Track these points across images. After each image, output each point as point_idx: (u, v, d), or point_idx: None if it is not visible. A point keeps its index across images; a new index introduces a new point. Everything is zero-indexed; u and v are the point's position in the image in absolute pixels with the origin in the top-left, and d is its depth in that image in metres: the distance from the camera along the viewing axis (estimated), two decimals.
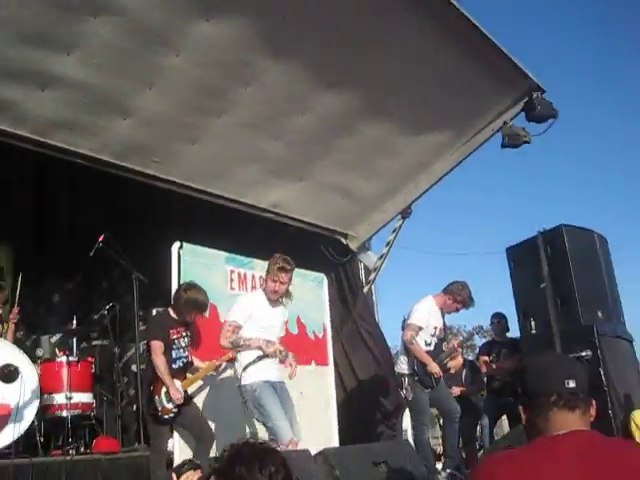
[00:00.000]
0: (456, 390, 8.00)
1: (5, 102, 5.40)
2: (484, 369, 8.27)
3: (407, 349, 6.50)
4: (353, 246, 8.87)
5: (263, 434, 6.19)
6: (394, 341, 9.65)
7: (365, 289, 9.13)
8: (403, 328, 6.65)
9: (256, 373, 5.06)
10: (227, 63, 5.66)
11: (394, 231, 8.65)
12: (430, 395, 6.37)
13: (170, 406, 5.34)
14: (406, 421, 8.68)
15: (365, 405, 8.38)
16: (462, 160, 7.70)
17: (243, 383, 5.07)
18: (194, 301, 5.48)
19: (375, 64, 5.95)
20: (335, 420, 7.36)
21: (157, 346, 5.39)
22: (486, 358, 8.24)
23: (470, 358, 9.97)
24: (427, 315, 6.51)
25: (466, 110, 6.94)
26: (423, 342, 6.44)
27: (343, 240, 8.84)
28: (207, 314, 6.06)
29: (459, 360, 8.45)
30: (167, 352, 5.44)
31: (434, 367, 6.30)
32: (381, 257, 8.90)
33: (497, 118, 7.10)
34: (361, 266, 9.33)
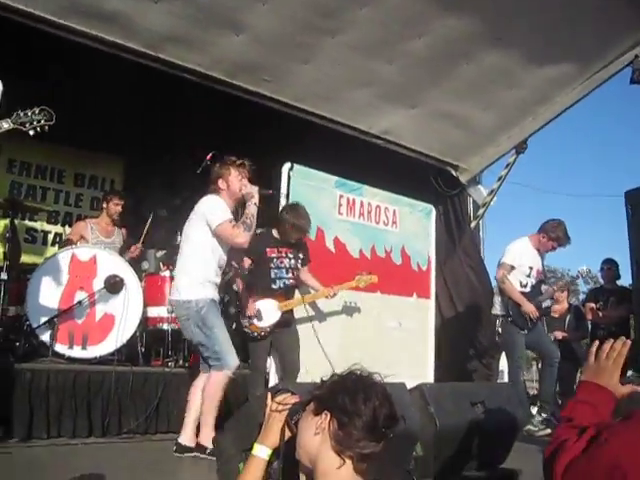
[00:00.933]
0: (558, 335, 7.80)
1: (116, 13, 5.38)
2: (589, 316, 7.99)
3: (501, 289, 6.47)
4: (463, 179, 8.61)
5: (368, 362, 6.24)
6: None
7: (472, 224, 8.89)
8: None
9: (204, 288, 4.69)
10: None
11: (507, 166, 8.33)
12: (527, 337, 6.27)
13: (260, 324, 5.39)
14: (503, 362, 8.54)
15: (463, 341, 8.27)
16: (585, 95, 7.23)
17: (186, 298, 4.65)
18: (294, 222, 5.46)
19: None
20: (432, 354, 7.31)
21: (244, 262, 5.60)
22: (593, 305, 7.95)
23: (575, 303, 9.64)
24: (519, 254, 6.42)
25: (595, 41, 6.43)
26: (518, 282, 6.36)
27: (453, 172, 8.59)
28: (313, 236, 6.05)
29: (564, 304, 8.19)
30: (264, 271, 5.51)
31: (529, 307, 6.18)
32: (491, 192, 8.61)
33: (629, 50, 6.57)
34: (470, 200, 9.06)
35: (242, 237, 4.62)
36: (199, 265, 4.69)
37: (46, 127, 3.94)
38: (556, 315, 8.06)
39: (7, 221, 6.16)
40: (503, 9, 5.86)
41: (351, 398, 1.84)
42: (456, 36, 6.17)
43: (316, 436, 1.86)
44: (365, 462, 1.82)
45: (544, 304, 6.57)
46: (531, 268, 6.40)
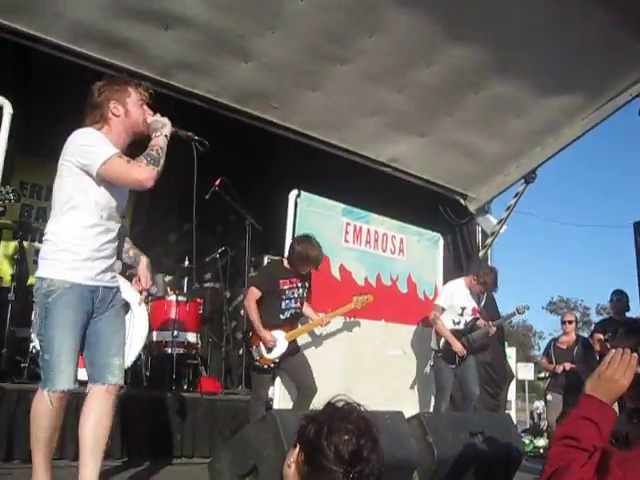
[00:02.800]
0: (566, 366, 7.72)
1: (129, 41, 5.47)
2: (597, 347, 7.91)
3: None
4: (472, 208, 8.61)
5: (370, 390, 6.24)
6: (506, 309, 9.41)
7: (481, 253, 8.86)
8: None
9: (70, 268, 3.24)
10: (352, 9, 5.47)
11: (516, 195, 8.31)
12: (455, 371, 6.50)
13: (269, 356, 5.37)
14: (511, 392, 8.48)
15: None
16: (594, 126, 7.27)
17: (39, 274, 3.27)
18: (307, 255, 5.44)
19: (507, 17, 5.61)
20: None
21: (252, 292, 5.43)
22: (600, 336, 7.86)
23: (585, 335, 9.56)
24: (450, 296, 6.66)
25: (604, 72, 6.47)
26: (450, 321, 6.58)
27: (462, 201, 8.60)
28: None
29: (571, 336, 8.13)
30: (275, 302, 5.46)
31: (457, 346, 6.42)
32: (500, 221, 8.59)
33: (637, 83, 6.62)
34: (479, 229, 9.05)
35: (145, 172, 3.21)
36: (70, 233, 3.26)
37: (13, 204, 4.17)
38: (564, 347, 8.00)
39: (16, 243, 6.22)
40: (508, 41, 5.92)
41: (316, 432, 1.76)
42: (463, 65, 6.22)
43: (290, 468, 1.82)
44: None
45: (477, 340, 6.73)
46: (463, 308, 6.63)
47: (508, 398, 9.31)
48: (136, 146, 3.45)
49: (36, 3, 5.00)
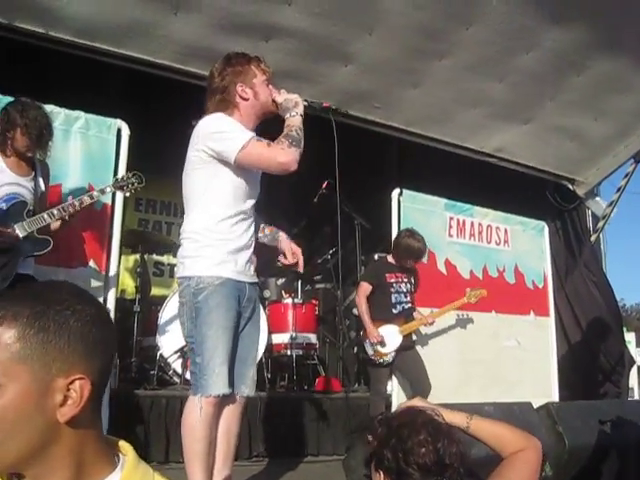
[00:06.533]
0: None
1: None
2: None
3: None
4: (580, 192, 8.40)
5: (486, 382, 6.22)
6: (622, 293, 9.15)
7: (592, 237, 8.64)
8: None
9: (216, 264, 3.13)
10: (447, 2, 5.46)
11: (626, 176, 8.06)
12: None
13: (384, 350, 5.44)
14: (633, 379, 8.24)
15: (589, 359, 8.03)
16: None
17: (185, 274, 3.18)
18: (410, 248, 5.52)
19: None
20: (555, 373, 7.14)
21: (363, 287, 5.56)
22: None
23: None
24: None
25: None
26: None
27: (570, 186, 8.39)
28: (425, 260, 6.08)
29: None
30: (385, 296, 5.55)
31: None
32: (611, 204, 8.36)
33: None
34: (589, 213, 8.83)
35: (289, 154, 3.01)
36: (210, 228, 3.15)
37: (139, 188, 4.26)
38: None
39: (137, 256, 6.54)
40: (611, 16, 5.72)
41: (394, 458, 1.73)
42: (565, 48, 6.09)
43: None
44: None
45: None
46: None
47: (630, 385, 9.03)
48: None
49: (146, 28, 5.25)
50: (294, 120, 3.15)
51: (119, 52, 5.39)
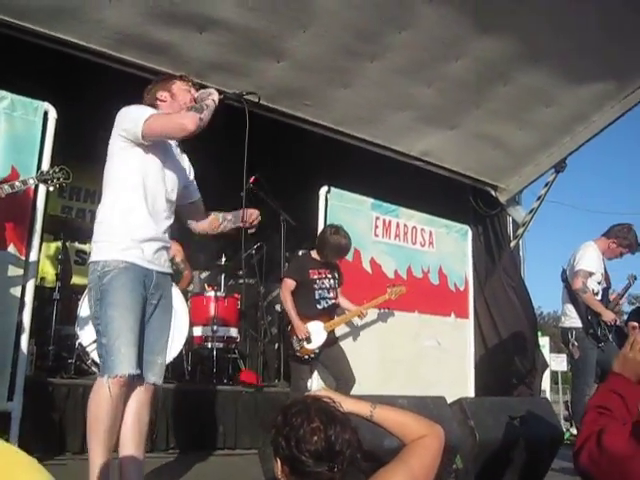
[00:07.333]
0: None
1: (166, 44, 5.59)
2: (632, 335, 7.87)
3: (574, 300, 5.94)
4: (502, 199, 8.63)
5: (406, 381, 6.32)
6: (538, 301, 9.43)
7: (512, 243, 8.90)
8: (564, 279, 6.18)
9: (123, 248, 3.22)
10: (383, 6, 5.54)
11: (546, 185, 8.33)
12: (598, 353, 5.81)
13: (310, 347, 5.48)
14: (545, 382, 8.50)
15: (504, 361, 8.25)
16: (624, 113, 7.25)
17: (93, 258, 3.27)
18: (337, 245, 5.56)
19: (535, 5, 5.62)
20: (472, 374, 7.34)
21: (287, 283, 5.57)
22: (635, 324, 7.83)
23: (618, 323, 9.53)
24: (593, 260, 5.91)
25: (632, 59, 6.47)
26: (591, 291, 5.86)
27: (492, 192, 8.62)
28: (350, 258, 6.15)
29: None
30: (309, 292, 5.58)
31: (609, 315, 5.76)
32: (531, 211, 8.62)
33: None
34: (509, 220, 9.09)
35: (187, 117, 3.14)
36: (120, 214, 3.26)
37: (64, 184, 4.24)
38: None
39: (59, 243, 6.40)
40: (540, 29, 5.93)
41: (287, 445, 1.79)
42: (493, 57, 6.27)
43: None
44: None
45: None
46: (602, 275, 5.96)
47: (542, 387, 9.32)
48: None
49: (78, 12, 5.14)
50: (206, 100, 3.28)
51: (49, 34, 5.26)
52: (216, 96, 3.34)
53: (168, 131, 3.23)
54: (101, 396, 3.07)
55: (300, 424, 1.79)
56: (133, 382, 3.19)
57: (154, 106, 3.38)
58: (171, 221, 3.47)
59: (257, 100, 3.61)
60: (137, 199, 3.27)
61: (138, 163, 3.27)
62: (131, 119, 3.20)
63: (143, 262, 3.24)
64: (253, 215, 3.72)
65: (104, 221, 3.28)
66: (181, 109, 3.36)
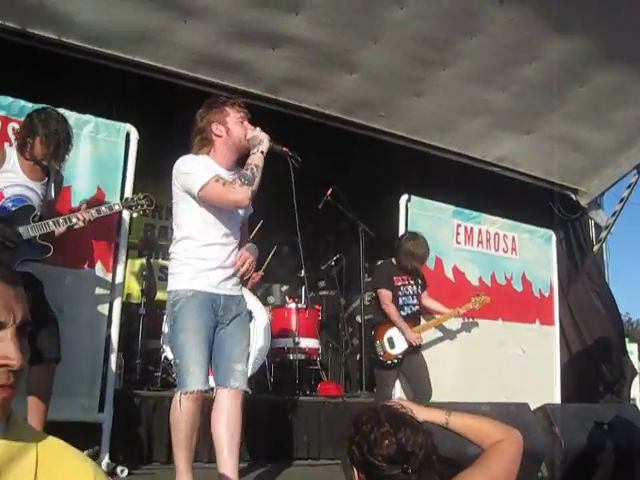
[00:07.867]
0: None
1: (239, 62, 5.77)
2: None
3: None
4: (583, 202, 8.47)
5: (491, 390, 6.23)
6: (626, 307, 9.18)
7: (595, 248, 8.70)
8: None
9: (191, 278, 3.54)
10: (452, 14, 5.54)
11: (629, 187, 8.13)
12: None
13: (393, 352, 5.50)
14: (635, 389, 8.24)
15: (590, 369, 8.06)
16: None
17: (168, 288, 3.66)
18: (412, 252, 5.57)
19: (610, 4, 5.51)
20: (558, 382, 7.17)
21: (384, 295, 5.58)
22: None
23: None
24: None
25: None
26: None
27: (573, 196, 8.47)
28: (432, 266, 6.14)
29: None
30: (393, 299, 5.59)
31: None
32: (613, 214, 8.41)
33: None
34: (591, 223, 8.89)
35: (239, 193, 3.37)
36: (188, 250, 3.58)
37: (147, 210, 4.44)
38: None
39: (144, 260, 6.61)
40: (615, 27, 5.80)
41: (360, 453, 1.81)
42: (568, 58, 6.16)
43: None
44: None
45: None
46: None
47: (632, 395, 9.02)
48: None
49: (155, 35, 5.36)
50: (253, 158, 3.49)
51: (129, 58, 5.51)
52: (266, 145, 3.52)
53: (223, 204, 3.51)
54: (177, 409, 3.44)
55: (370, 430, 1.81)
56: (204, 395, 3.50)
57: (207, 133, 3.60)
58: (236, 245, 3.70)
59: (297, 160, 3.68)
60: (200, 237, 3.57)
61: (197, 207, 3.54)
62: (188, 182, 3.48)
63: (209, 288, 3.53)
64: (242, 260, 3.72)
65: (175, 257, 3.63)
66: (235, 143, 3.58)
